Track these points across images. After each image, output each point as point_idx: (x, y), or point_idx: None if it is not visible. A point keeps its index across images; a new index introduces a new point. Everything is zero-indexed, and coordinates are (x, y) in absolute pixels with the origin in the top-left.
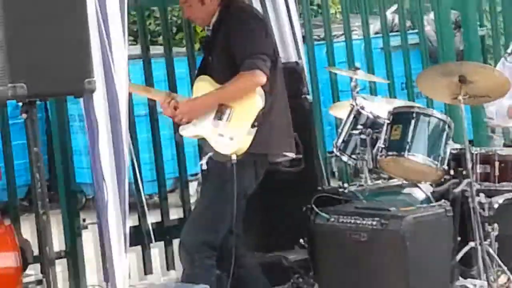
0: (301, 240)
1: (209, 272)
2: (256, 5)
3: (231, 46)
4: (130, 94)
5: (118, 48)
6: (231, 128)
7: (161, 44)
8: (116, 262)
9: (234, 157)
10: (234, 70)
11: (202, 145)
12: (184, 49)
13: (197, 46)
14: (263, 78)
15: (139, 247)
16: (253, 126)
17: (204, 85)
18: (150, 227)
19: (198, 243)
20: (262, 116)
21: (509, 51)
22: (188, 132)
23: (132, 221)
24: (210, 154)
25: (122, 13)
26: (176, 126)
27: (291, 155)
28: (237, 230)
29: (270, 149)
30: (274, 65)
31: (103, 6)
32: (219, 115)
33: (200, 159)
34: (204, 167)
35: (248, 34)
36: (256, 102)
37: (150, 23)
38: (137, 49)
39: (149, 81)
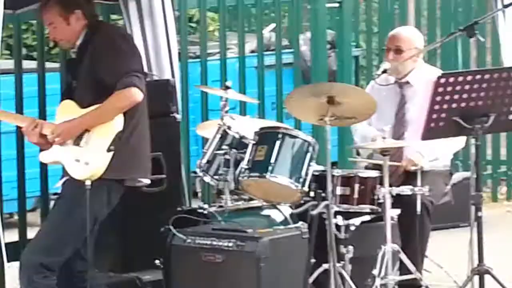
0: (157, 261)
1: None
2: (134, 19)
3: (99, 69)
4: None
5: None
6: (87, 152)
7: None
8: None
9: (88, 182)
10: (99, 95)
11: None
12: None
13: None
14: (140, 96)
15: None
16: (109, 150)
17: (68, 110)
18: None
19: (36, 263)
20: (120, 140)
21: (378, 72)
22: (47, 157)
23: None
24: (65, 178)
25: None
26: None
27: (146, 181)
28: (85, 255)
29: (126, 175)
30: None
31: None
32: (77, 140)
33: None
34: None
35: (120, 53)
36: (114, 125)
37: (28, 37)
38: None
39: (20, 95)
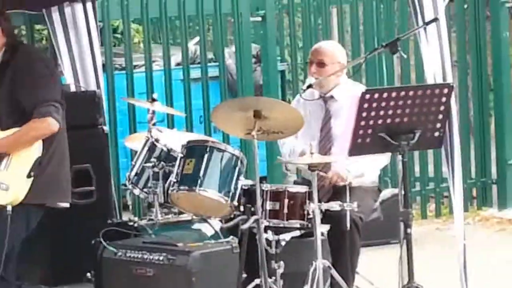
0: (88, 274)
1: None
2: (59, 30)
3: (18, 93)
4: None
5: None
6: (7, 177)
7: None
8: None
9: (9, 208)
10: (18, 118)
11: None
12: None
13: None
14: (55, 126)
15: None
16: (29, 176)
17: None
18: None
19: None
20: (39, 166)
21: (304, 87)
22: None
23: None
24: None
25: None
26: None
27: (66, 205)
28: (6, 276)
29: (45, 200)
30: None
31: None
32: None
33: None
34: None
35: (40, 80)
36: (33, 151)
37: None
38: None
39: None
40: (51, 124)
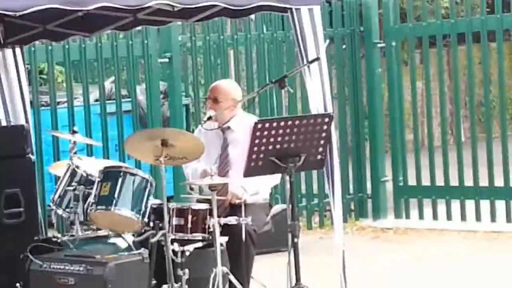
0: (18, 284)
1: None
2: None
3: None
4: None
5: None
6: None
7: None
8: None
9: None
10: None
11: None
12: None
13: None
14: None
15: None
16: None
17: None
18: None
19: None
20: None
21: (204, 119)
22: None
23: None
24: None
25: None
26: None
27: None
28: None
29: None
30: None
31: None
32: None
33: None
34: None
35: None
36: None
37: None
38: None
39: None
40: None
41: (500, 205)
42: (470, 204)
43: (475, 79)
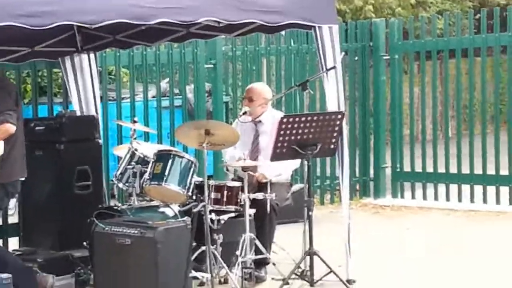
0: (84, 243)
1: None
2: (70, 72)
3: None
4: None
5: None
6: None
7: None
8: None
9: None
10: None
11: None
12: None
13: (26, 100)
14: (12, 129)
15: None
16: None
17: None
18: None
19: None
20: (2, 160)
21: (240, 113)
22: None
23: None
24: None
25: None
26: None
27: (22, 178)
28: None
29: (10, 179)
30: (17, 117)
31: None
32: None
33: None
34: None
35: None
36: None
37: None
38: None
39: None
40: (9, 128)
41: (479, 189)
42: (453, 187)
43: (462, 86)
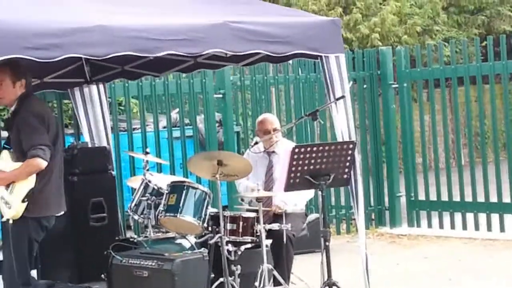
0: (102, 275)
1: None
2: (79, 103)
3: (21, 138)
4: None
5: None
6: (11, 198)
7: None
8: None
9: (11, 221)
10: (22, 154)
11: None
12: None
13: None
14: (43, 164)
15: None
16: (23, 201)
17: (7, 157)
18: None
19: (18, 284)
20: (33, 194)
21: (252, 144)
22: None
23: None
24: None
25: None
26: None
27: (62, 213)
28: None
29: (45, 214)
30: (53, 153)
31: None
32: (7, 186)
33: None
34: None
35: (31, 130)
36: (29, 181)
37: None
38: None
39: None
40: (39, 163)
41: (495, 217)
42: (470, 216)
43: (472, 114)
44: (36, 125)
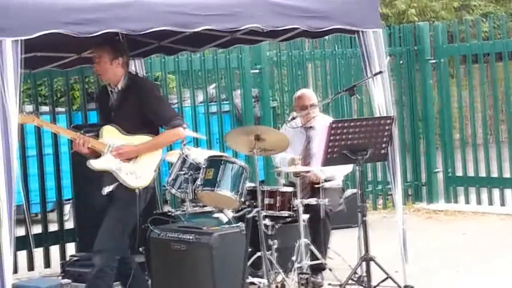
0: (140, 249)
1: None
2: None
3: (144, 111)
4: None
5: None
6: (137, 169)
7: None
8: (5, 262)
9: (137, 191)
10: (138, 127)
11: (104, 177)
12: (64, 109)
13: (74, 106)
14: (184, 133)
15: (25, 251)
16: (155, 171)
17: (114, 131)
18: (32, 237)
19: (112, 248)
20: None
21: (289, 119)
22: (97, 165)
23: (21, 231)
24: (115, 184)
25: (16, 80)
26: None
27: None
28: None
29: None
30: None
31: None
32: (129, 159)
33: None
34: (105, 192)
35: (164, 103)
36: (158, 153)
37: (42, 89)
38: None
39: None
40: (181, 132)
41: None
42: (508, 192)
43: (510, 90)
44: (164, 98)
